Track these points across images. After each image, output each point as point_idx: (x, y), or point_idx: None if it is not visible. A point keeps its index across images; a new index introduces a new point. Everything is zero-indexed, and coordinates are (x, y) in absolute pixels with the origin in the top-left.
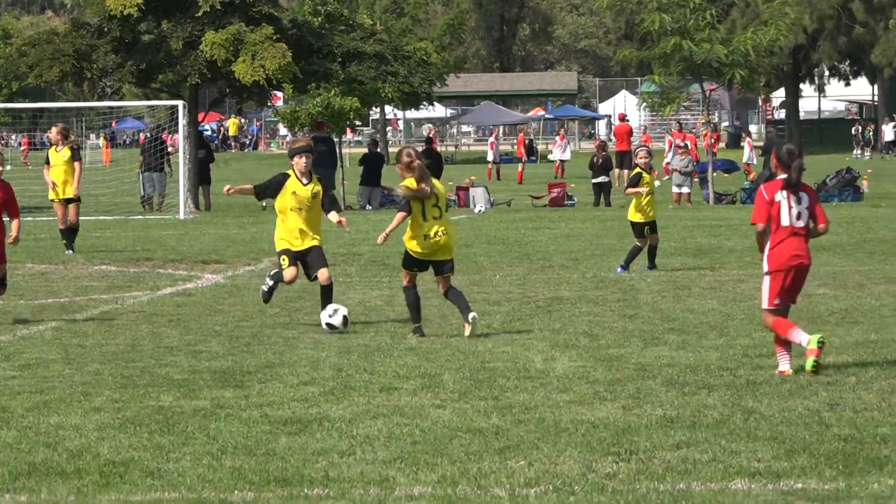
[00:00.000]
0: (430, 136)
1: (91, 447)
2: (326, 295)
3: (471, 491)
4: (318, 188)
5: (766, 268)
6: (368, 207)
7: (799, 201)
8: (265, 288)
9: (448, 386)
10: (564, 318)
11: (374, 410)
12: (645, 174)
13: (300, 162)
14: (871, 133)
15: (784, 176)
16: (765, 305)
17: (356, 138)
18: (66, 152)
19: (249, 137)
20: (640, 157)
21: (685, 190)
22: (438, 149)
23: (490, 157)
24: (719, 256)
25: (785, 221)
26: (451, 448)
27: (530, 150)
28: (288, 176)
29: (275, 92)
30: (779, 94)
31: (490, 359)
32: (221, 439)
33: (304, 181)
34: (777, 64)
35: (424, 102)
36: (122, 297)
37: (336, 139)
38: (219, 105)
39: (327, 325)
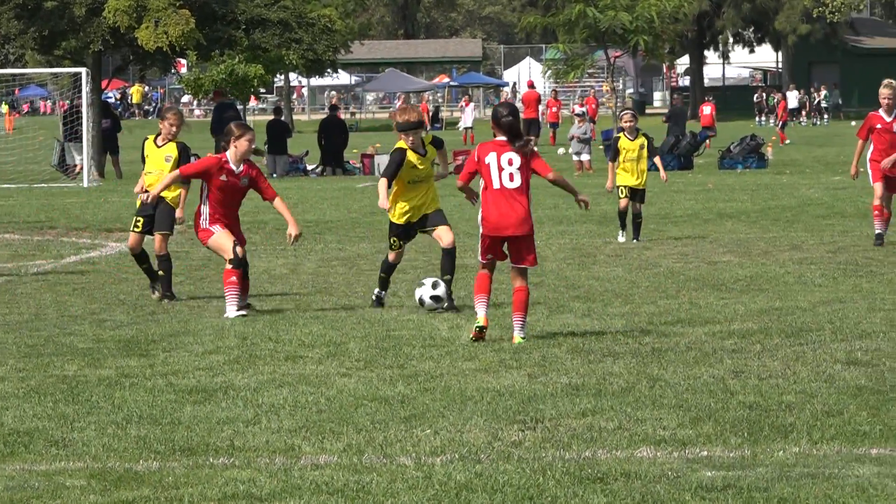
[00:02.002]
0: (334, 103)
1: None
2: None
3: (377, 459)
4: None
5: (479, 225)
6: (274, 175)
7: (510, 162)
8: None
9: (353, 354)
10: (469, 285)
11: (280, 379)
12: (624, 138)
13: (407, 140)
14: (776, 101)
15: (501, 138)
16: (479, 258)
17: (260, 105)
18: None
19: (153, 105)
20: (625, 120)
21: (584, 157)
22: (342, 116)
23: None
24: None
25: (496, 184)
26: (356, 417)
27: (435, 117)
28: (405, 150)
29: (178, 59)
30: (683, 62)
31: (395, 327)
32: (126, 408)
33: (421, 152)
34: (681, 31)
35: (329, 70)
36: (25, 265)
37: (240, 106)
38: (122, 72)
39: (433, 297)
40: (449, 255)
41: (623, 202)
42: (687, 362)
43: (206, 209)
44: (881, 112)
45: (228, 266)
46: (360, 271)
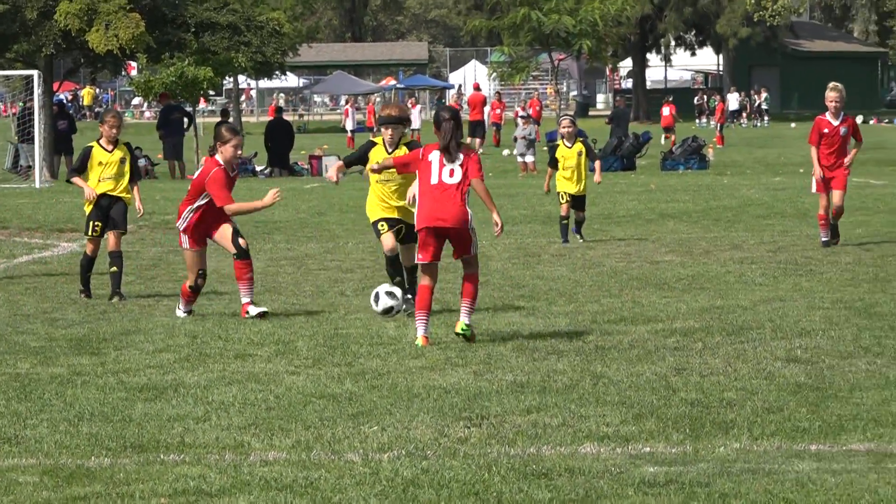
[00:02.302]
0: (280, 105)
1: None
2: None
3: (325, 456)
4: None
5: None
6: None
7: (452, 160)
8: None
9: (302, 353)
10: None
11: (229, 377)
12: (563, 146)
13: (386, 133)
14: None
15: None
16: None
17: (210, 108)
18: None
19: (104, 106)
20: (563, 127)
21: (529, 158)
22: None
23: (350, 126)
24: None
25: (433, 180)
26: (305, 414)
27: None
28: (375, 144)
29: (129, 62)
30: (626, 64)
31: (343, 325)
32: (78, 406)
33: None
34: (624, 34)
35: (277, 72)
36: None
37: (190, 108)
38: (74, 75)
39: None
40: (409, 272)
41: (564, 207)
42: (630, 360)
43: (189, 215)
44: (828, 116)
45: (187, 284)
46: (308, 271)
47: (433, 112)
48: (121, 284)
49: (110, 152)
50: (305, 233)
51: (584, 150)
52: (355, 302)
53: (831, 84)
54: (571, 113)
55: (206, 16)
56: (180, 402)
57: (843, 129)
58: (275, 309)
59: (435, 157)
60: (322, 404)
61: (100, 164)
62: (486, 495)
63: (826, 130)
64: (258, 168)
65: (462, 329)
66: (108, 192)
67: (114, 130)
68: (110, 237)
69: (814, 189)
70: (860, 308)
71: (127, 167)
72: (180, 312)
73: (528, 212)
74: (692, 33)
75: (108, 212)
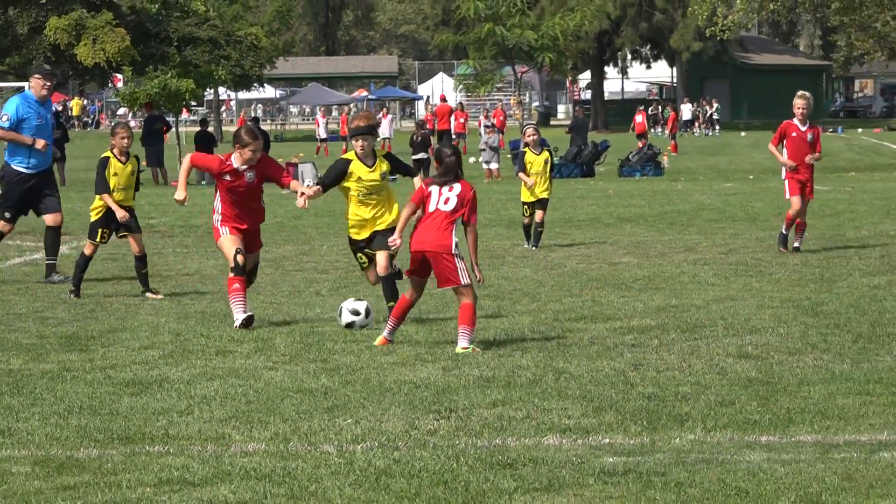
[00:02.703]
0: (256, 115)
1: None
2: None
3: (302, 447)
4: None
5: None
6: (203, 182)
7: (451, 189)
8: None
9: (280, 349)
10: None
11: (211, 372)
12: (530, 153)
13: (357, 144)
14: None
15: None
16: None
17: (192, 118)
18: None
19: (91, 117)
20: (528, 136)
21: (494, 166)
22: (265, 127)
23: (322, 135)
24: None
25: (431, 208)
26: (282, 407)
27: None
28: (350, 161)
29: (115, 74)
30: (585, 76)
31: (319, 324)
32: (68, 400)
33: (368, 164)
34: (583, 48)
35: (255, 84)
36: None
37: (172, 118)
38: (63, 86)
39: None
40: (386, 281)
41: (526, 220)
42: (590, 356)
43: (218, 207)
44: (796, 121)
45: (231, 273)
46: (285, 272)
47: (405, 121)
48: (148, 282)
49: (124, 164)
50: (283, 236)
51: (549, 157)
52: (330, 301)
53: (799, 92)
54: (534, 122)
55: (188, 31)
56: (165, 397)
57: (809, 136)
58: (254, 308)
59: (435, 189)
60: (299, 398)
61: (114, 174)
62: (455, 484)
63: (794, 134)
64: None
65: (459, 352)
66: (120, 202)
67: (125, 142)
68: (133, 243)
69: (788, 194)
70: (807, 307)
71: (135, 178)
72: (239, 318)
73: (492, 216)
74: (647, 47)
75: (115, 219)
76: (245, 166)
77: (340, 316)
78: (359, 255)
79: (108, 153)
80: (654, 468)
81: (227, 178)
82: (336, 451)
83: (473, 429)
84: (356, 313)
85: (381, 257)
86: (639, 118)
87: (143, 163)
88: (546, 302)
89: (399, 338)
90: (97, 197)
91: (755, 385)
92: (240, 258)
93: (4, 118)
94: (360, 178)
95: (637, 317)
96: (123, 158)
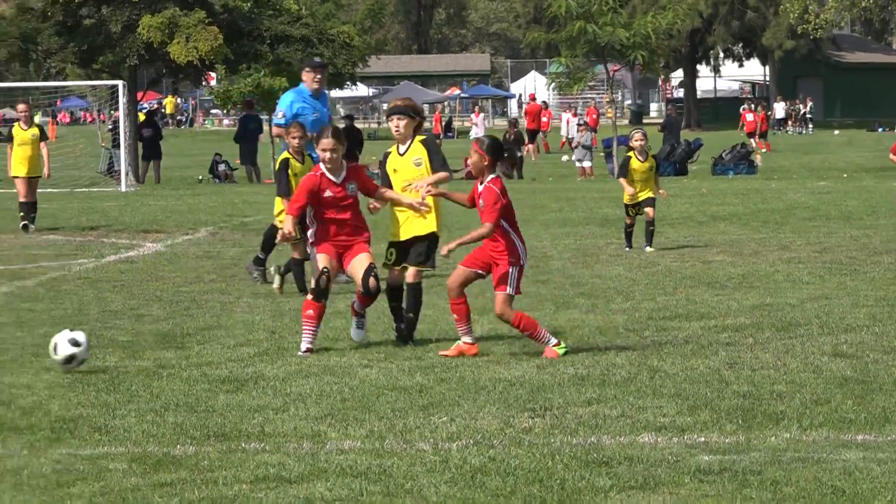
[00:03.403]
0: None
1: (42, 404)
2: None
3: (397, 445)
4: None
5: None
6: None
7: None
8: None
9: (375, 347)
10: (483, 283)
11: (306, 370)
12: (635, 159)
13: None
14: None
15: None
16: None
17: None
18: (34, 131)
19: (185, 115)
20: (635, 140)
21: (587, 164)
22: (359, 126)
23: None
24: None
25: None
26: (378, 405)
27: (448, 126)
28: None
29: (209, 72)
30: (677, 75)
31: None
32: (164, 397)
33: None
34: (675, 46)
35: (348, 82)
36: (68, 264)
37: (265, 117)
38: (156, 85)
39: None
40: (414, 289)
41: (629, 221)
42: (685, 354)
43: (312, 226)
44: None
45: (308, 296)
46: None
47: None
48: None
49: (302, 163)
50: (376, 234)
51: (655, 166)
52: (424, 299)
53: None
54: (642, 128)
55: (280, 29)
56: (260, 394)
57: None
58: (347, 307)
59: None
60: (394, 396)
61: (294, 175)
62: (550, 482)
63: None
64: None
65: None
66: None
67: (297, 142)
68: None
69: None
70: None
71: None
72: (303, 347)
73: (586, 214)
74: (740, 46)
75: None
76: (342, 172)
77: (55, 351)
78: (390, 250)
79: (286, 154)
80: (750, 467)
81: (328, 192)
82: (431, 449)
83: (568, 427)
84: (76, 344)
85: (412, 269)
86: (749, 116)
87: (237, 160)
88: (640, 300)
89: (490, 336)
90: (278, 199)
91: (850, 384)
92: (322, 280)
93: (280, 114)
94: (395, 169)
95: (731, 315)
96: (300, 158)
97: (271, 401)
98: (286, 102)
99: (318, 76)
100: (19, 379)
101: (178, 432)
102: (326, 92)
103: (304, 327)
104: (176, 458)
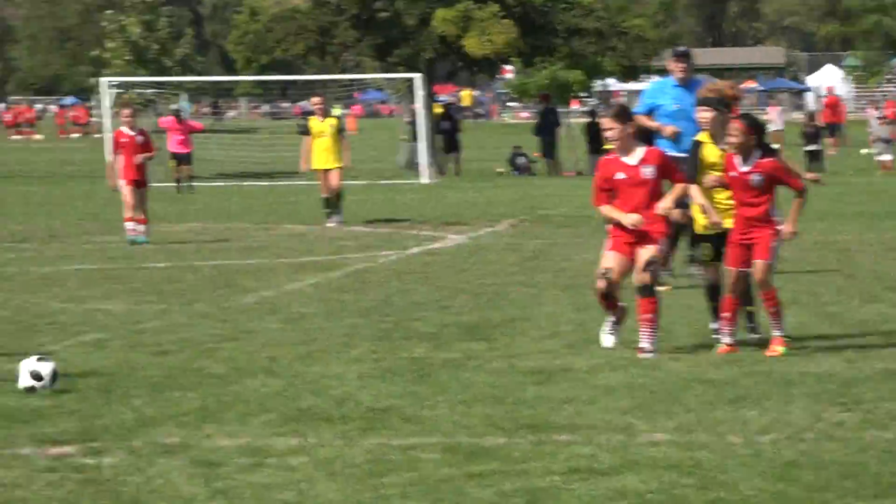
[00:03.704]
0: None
1: (353, 395)
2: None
3: (707, 438)
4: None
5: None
6: None
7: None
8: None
9: (681, 339)
10: (786, 276)
11: (614, 362)
12: None
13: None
14: None
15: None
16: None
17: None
18: (332, 121)
19: (483, 108)
20: None
21: (886, 157)
22: None
23: None
24: None
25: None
26: (685, 397)
27: None
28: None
29: (504, 65)
30: None
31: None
32: (473, 388)
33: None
34: None
35: (644, 75)
36: (373, 255)
37: (562, 109)
38: (453, 78)
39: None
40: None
41: None
42: None
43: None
44: None
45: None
46: None
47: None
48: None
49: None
50: None
51: None
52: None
53: None
54: None
55: (573, 22)
56: (569, 386)
57: None
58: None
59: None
60: (701, 389)
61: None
62: (864, 477)
63: None
64: None
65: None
66: None
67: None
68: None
69: None
70: None
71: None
72: (607, 339)
73: (892, 208)
74: None
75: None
76: (634, 151)
77: (17, 378)
78: (704, 245)
79: (701, 136)
80: None
81: (622, 175)
82: (742, 442)
83: (881, 421)
84: (38, 377)
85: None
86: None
87: (535, 153)
88: None
89: (799, 328)
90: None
91: None
92: (600, 284)
93: (639, 103)
94: (712, 163)
95: None
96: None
97: (580, 393)
98: (649, 92)
99: (682, 65)
100: (329, 369)
101: (488, 423)
102: (701, 79)
103: (606, 316)
104: (487, 449)
